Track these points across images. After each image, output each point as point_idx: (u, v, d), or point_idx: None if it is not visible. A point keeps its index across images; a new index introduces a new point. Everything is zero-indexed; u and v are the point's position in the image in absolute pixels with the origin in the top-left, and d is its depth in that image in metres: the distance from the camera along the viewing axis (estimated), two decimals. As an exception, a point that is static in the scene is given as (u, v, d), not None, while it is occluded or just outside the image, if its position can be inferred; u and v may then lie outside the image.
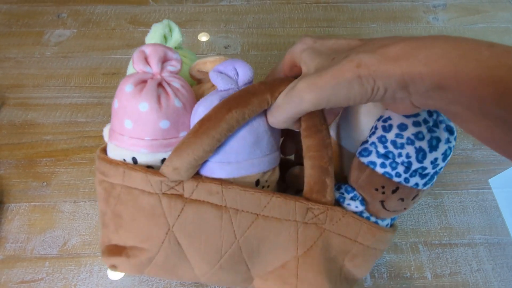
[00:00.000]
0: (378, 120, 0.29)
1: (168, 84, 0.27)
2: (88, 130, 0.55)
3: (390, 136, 0.28)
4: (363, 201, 0.30)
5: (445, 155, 0.28)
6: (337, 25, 0.69)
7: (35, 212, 0.48)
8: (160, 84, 0.27)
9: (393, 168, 0.28)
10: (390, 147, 0.28)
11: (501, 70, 0.18)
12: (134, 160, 0.29)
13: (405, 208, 0.31)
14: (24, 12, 0.68)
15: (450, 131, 0.28)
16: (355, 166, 0.30)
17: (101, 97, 0.59)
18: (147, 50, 0.27)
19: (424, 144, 0.27)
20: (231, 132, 0.26)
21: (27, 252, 0.45)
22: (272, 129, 0.29)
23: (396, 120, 0.28)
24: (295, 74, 0.28)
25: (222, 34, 0.67)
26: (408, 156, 0.27)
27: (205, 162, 0.29)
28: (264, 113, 0.28)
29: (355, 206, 0.30)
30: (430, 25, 0.70)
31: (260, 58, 0.64)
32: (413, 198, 0.30)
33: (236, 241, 0.30)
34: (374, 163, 0.29)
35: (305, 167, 0.29)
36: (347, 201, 0.30)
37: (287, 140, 0.35)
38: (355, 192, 0.31)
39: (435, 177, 0.30)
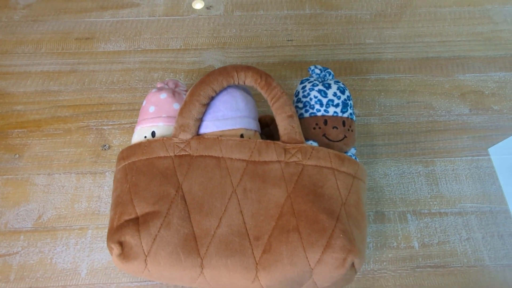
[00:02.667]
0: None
1: (178, 92, 0.43)
2: (61, 100, 0.54)
3: (299, 94, 0.43)
4: (315, 141, 0.40)
5: (340, 90, 0.42)
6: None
7: (7, 185, 0.48)
8: (174, 91, 0.43)
9: (312, 108, 0.41)
10: (303, 99, 0.42)
11: None
12: (153, 134, 0.40)
13: (345, 136, 0.41)
14: (-11, -28, 0.65)
15: (335, 82, 0.43)
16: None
17: (74, 63, 0.57)
18: (170, 81, 0.44)
19: (321, 87, 0.42)
20: (213, 95, 0.39)
21: (0, 226, 0.45)
22: (247, 98, 0.41)
23: (298, 87, 0.44)
24: None
25: (204, -7, 0.64)
26: (315, 96, 0.41)
27: (201, 122, 0.39)
28: (241, 86, 0.42)
29: (310, 144, 0.40)
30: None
31: (245, 19, 0.62)
32: (345, 125, 0.41)
33: (233, 191, 0.36)
34: (302, 114, 0.42)
35: (277, 122, 0.39)
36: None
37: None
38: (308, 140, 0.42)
39: (348, 106, 0.42)
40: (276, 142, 0.38)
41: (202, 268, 0.34)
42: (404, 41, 0.60)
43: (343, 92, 0.42)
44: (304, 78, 0.44)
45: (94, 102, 0.54)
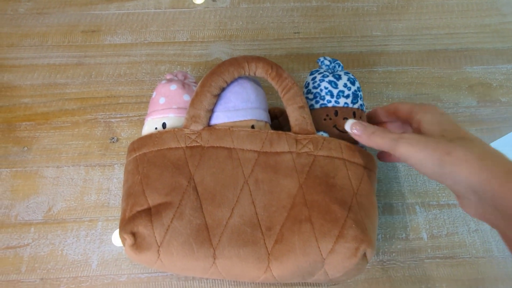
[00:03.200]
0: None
1: (188, 84, 0.43)
2: (68, 92, 0.54)
3: (309, 85, 0.43)
4: (326, 132, 0.41)
5: (350, 81, 0.42)
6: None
7: (17, 177, 0.48)
8: (184, 82, 0.43)
9: (323, 99, 0.41)
10: (313, 90, 0.42)
11: None
12: (164, 125, 0.40)
13: None
14: (-7, -36, 0.65)
15: (345, 73, 0.43)
16: None
17: (81, 56, 0.57)
18: (179, 73, 0.45)
19: (331, 78, 0.42)
20: (224, 85, 0.39)
21: (11, 218, 0.46)
22: (257, 89, 0.41)
23: (308, 78, 0.44)
24: (385, 117, 0.42)
25: (210, -15, 0.64)
26: (325, 87, 0.41)
27: (213, 113, 0.40)
28: (251, 78, 0.42)
29: (321, 134, 0.41)
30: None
31: (252, 11, 0.62)
32: (355, 116, 0.41)
33: (245, 182, 0.37)
34: (312, 105, 0.42)
35: (288, 113, 0.39)
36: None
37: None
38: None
39: (358, 97, 0.42)
40: (287, 132, 0.39)
41: (215, 259, 0.35)
42: (411, 33, 0.60)
43: (353, 83, 0.42)
44: (313, 70, 0.45)
45: (101, 95, 0.54)
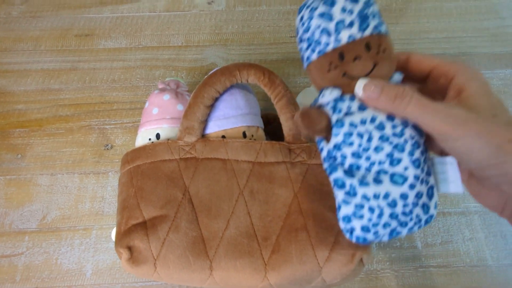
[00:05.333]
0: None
1: (181, 93, 0.43)
2: (62, 98, 0.54)
3: (299, 31, 0.31)
4: (337, 87, 0.30)
5: None
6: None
7: (10, 185, 0.48)
8: (177, 91, 0.43)
9: (318, 44, 0.30)
10: (304, 36, 0.31)
11: None
12: (158, 136, 0.40)
13: (376, 64, 0.29)
14: (-15, -34, 0.65)
15: None
16: None
17: (74, 61, 0.57)
18: (171, 82, 0.44)
19: (321, 8, 0.29)
20: (217, 95, 0.40)
21: (5, 227, 0.46)
22: (247, 95, 0.42)
23: (296, 20, 0.31)
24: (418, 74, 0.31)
25: (206, -13, 0.64)
26: (318, 25, 0.29)
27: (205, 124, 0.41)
28: (241, 84, 0.42)
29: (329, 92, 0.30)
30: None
31: (247, 14, 0.62)
32: (370, 48, 0.29)
33: (240, 193, 0.37)
34: (308, 58, 0.31)
35: (282, 122, 0.40)
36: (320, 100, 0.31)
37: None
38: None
39: (368, 18, 0.29)
40: (281, 142, 0.39)
41: (212, 270, 0.35)
42: (409, 37, 0.60)
43: (355, 0, 0.29)
44: (302, 3, 0.31)
45: (95, 101, 0.54)
